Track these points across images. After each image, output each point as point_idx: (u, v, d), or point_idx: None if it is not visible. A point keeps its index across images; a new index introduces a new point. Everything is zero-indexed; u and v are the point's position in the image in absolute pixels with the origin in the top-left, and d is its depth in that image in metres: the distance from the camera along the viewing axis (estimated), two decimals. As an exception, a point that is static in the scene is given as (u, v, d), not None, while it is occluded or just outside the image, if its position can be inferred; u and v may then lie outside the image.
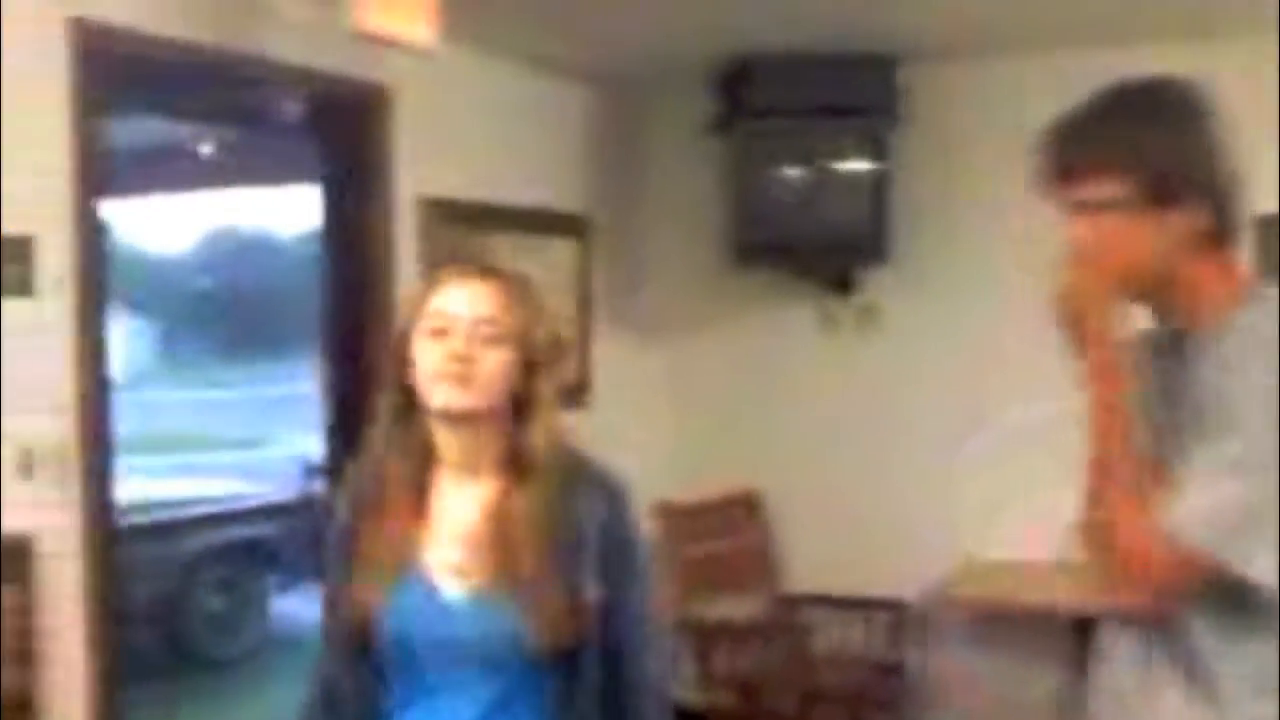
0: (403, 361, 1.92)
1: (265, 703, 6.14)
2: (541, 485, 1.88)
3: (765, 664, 4.54)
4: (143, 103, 3.80)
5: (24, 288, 3.23)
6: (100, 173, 3.42)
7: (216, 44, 3.63)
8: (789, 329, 5.16)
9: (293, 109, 3.84)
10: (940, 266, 4.94)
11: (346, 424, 4.21)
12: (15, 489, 3.18)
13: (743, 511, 5.03)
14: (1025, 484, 4.78)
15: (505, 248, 4.61)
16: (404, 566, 1.88)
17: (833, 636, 4.85)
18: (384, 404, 1.95)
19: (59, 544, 3.27)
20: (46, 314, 3.28)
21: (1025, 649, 4.78)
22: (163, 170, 5.38)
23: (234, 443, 14.12)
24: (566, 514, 1.87)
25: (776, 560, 5.04)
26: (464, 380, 1.86)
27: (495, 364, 1.88)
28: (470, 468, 1.92)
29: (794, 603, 4.92)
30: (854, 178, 4.86)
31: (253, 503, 7.54)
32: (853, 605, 4.86)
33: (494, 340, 1.88)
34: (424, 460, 1.93)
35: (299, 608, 7.33)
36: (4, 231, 3.17)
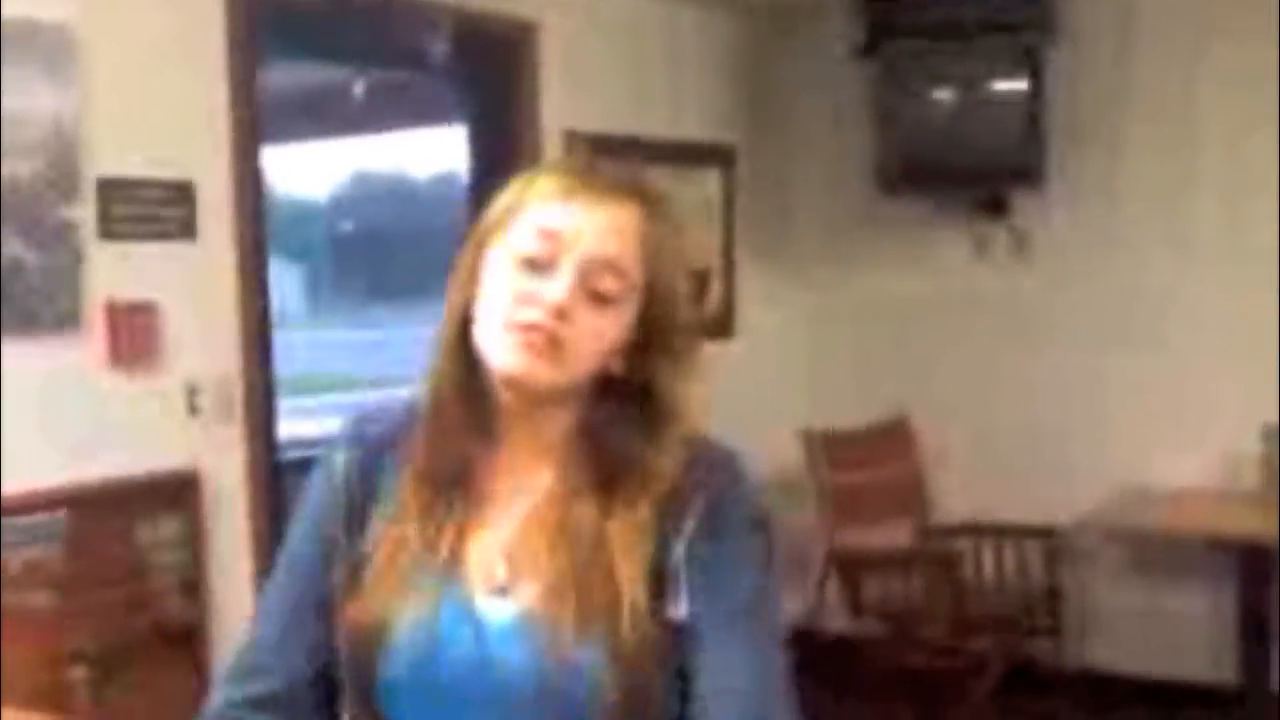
0: (470, 284, 1.33)
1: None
2: (640, 499, 1.32)
3: (916, 593, 4.51)
4: (294, 47, 3.85)
5: (187, 230, 3.33)
6: (256, 118, 3.49)
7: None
8: (940, 255, 5.07)
9: (441, 48, 3.86)
10: (1095, 189, 4.79)
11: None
12: (183, 425, 3.30)
13: (892, 440, 4.98)
14: (1182, 411, 4.69)
15: (651, 179, 4.59)
16: (434, 573, 1.31)
17: (985, 565, 4.80)
18: (438, 344, 1.36)
19: (225, 478, 3.38)
20: (209, 256, 3.37)
21: (1186, 577, 4.68)
22: (314, 114, 5.47)
23: (382, 381, 14.44)
24: (661, 513, 1.32)
25: (926, 489, 5.00)
26: (552, 346, 1.28)
27: (602, 333, 1.30)
28: (533, 451, 1.35)
29: (945, 532, 4.87)
30: (1005, 98, 4.73)
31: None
32: (1005, 533, 4.80)
33: (611, 298, 1.30)
34: (483, 432, 1.35)
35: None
36: (166, 176, 3.26)
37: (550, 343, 1.27)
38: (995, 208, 4.96)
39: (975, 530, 4.81)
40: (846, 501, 4.74)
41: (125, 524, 3.09)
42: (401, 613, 1.29)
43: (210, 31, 3.35)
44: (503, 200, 1.34)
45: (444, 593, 1.30)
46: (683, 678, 1.30)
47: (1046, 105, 4.71)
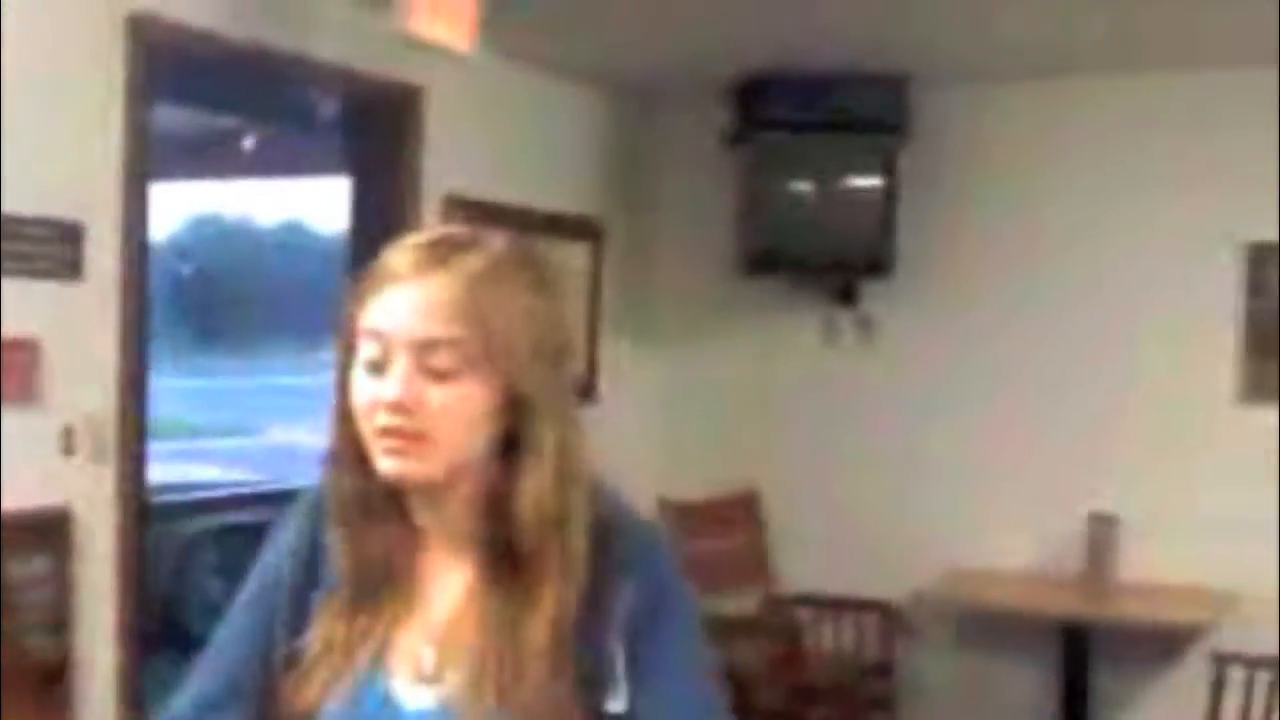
0: (343, 403, 1.33)
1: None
2: (551, 566, 1.30)
3: (758, 661, 4.68)
4: (185, 94, 3.91)
5: (72, 271, 3.35)
6: (146, 162, 3.53)
7: (260, 40, 3.75)
8: (792, 337, 5.32)
9: (329, 107, 3.96)
10: (940, 282, 5.10)
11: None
12: (57, 464, 3.30)
13: (740, 511, 5.17)
14: (1013, 494, 4.98)
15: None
16: (361, 663, 1.34)
17: (824, 635, 5.01)
18: (335, 455, 1.36)
19: (96, 518, 3.38)
20: (93, 296, 3.39)
21: (1013, 653, 4.95)
22: (200, 159, 5.49)
23: (219, 430, 14.18)
24: (587, 599, 1.31)
25: (771, 560, 5.19)
26: (411, 438, 1.27)
27: (454, 410, 1.27)
28: (448, 541, 1.36)
29: (787, 602, 5.06)
30: (861, 193, 5.02)
31: (250, 489, 7.64)
32: (844, 606, 5.02)
33: (453, 371, 1.27)
34: (398, 525, 1.36)
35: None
36: (53, 216, 3.28)
37: (409, 439, 1.26)
38: (846, 296, 5.22)
39: (815, 602, 5.02)
40: (696, 569, 4.87)
41: (-6, 560, 3.07)
42: (329, 707, 1.33)
43: (106, 75, 3.39)
44: (348, 305, 1.33)
45: (368, 686, 1.33)
46: None
47: (898, 201, 5.00)
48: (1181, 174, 4.75)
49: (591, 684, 1.29)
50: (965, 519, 5.03)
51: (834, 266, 5.13)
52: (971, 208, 5.05)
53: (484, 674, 1.29)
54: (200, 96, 4.06)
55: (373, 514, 1.35)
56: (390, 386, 1.26)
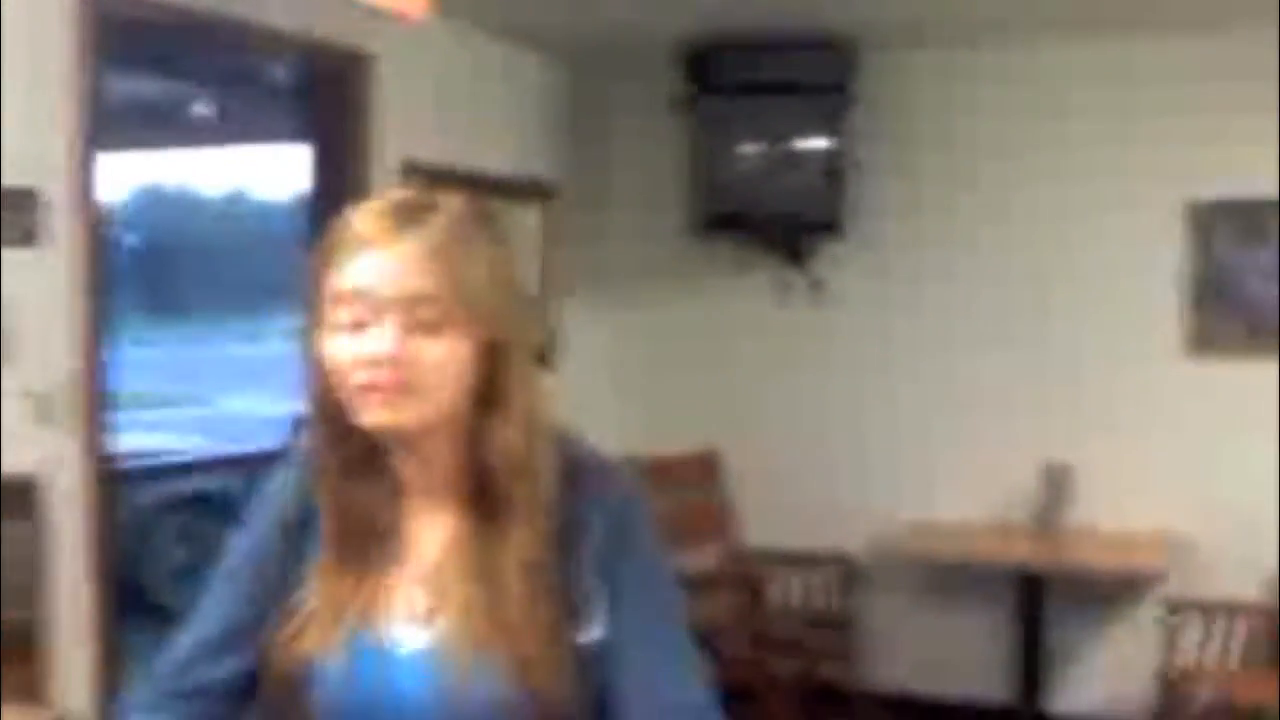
0: (319, 364, 1.37)
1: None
2: (520, 506, 1.37)
3: (721, 613, 4.76)
4: (138, 60, 3.89)
5: (27, 238, 3.34)
6: (97, 127, 3.52)
7: (213, 8, 3.75)
8: (746, 298, 5.38)
9: (282, 73, 3.96)
10: (890, 241, 5.17)
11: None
12: (24, 430, 3.31)
13: (701, 469, 5.24)
14: (967, 447, 5.07)
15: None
16: (353, 615, 1.40)
17: (785, 589, 5.09)
18: (314, 413, 1.41)
19: (64, 483, 3.40)
20: (50, 262, 3.39)
21: (969, 602, 5.05)
22: (153, 125, 5.46)
23: (169, 399, 14.11)
24: (556, 535, 1.38)
25: (733, 516, 5.27)
26: (399, 390, 1.32)
27: (442, 359, 1.33)
28: (430, 491, 1.42)
29: (749, 556, 5.15)
30: (810, 155, 5.08)
31: (207, 456, 7.65)
32: (804, 559, 5.11)
33: (437, 324, 1.32)
34: (381, 479, 1.42)
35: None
36: (6, 183, 3.27)
37: (397, 390, 1.32)
38: (797, 256, 5.29)
39: (776, 556, 5.10)
40: (659, 527, 4.95)
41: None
42: (324, 659, 1.39)
43: (56, 41, 3.38)
44: (314, 267, 1.36)
45: (360, 636, 1.39)
46: (602, 700, 1.37)
47: (847, 163, 5.06)
48: (1126, 132, 4.83)
49: (570, 613, 1.36)
50: (921, 472, 5.13)
51: (784, 227, 5.18)
52: (920, 168, 5.12)
53: (469, 615, 1.36)
54: (153, 63, 4.04)
55: (355, 471, 1.41)
56: (380, 342, 1.31)
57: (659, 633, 1.40)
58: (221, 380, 15.46)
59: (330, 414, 1.38)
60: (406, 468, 1.41)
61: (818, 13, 4.65)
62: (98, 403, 3.51)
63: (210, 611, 1.48)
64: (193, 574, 7.03)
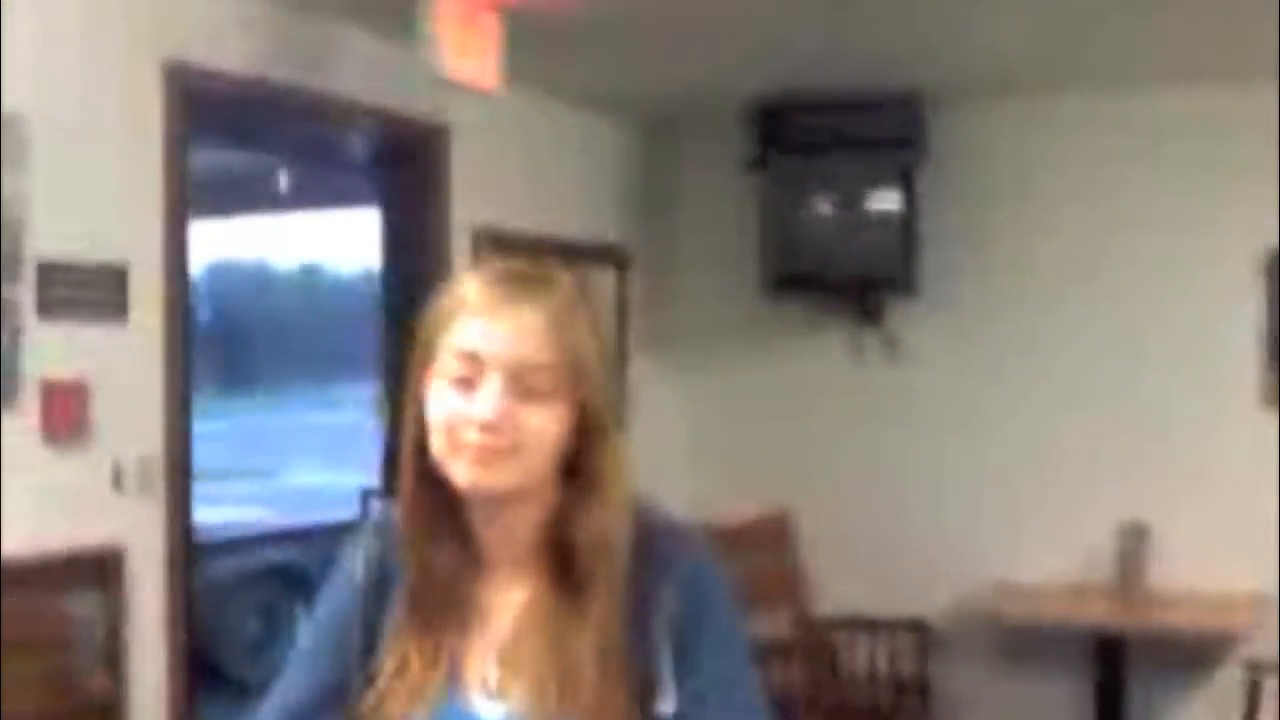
0: (418, 417, 1.39)
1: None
2: (600, 584, 1.37)
3: (794, 682, 4.70)
4: (223, 134, 3.98)
5: (119, 311, 3.41)
6: (187, 204, 3.60)
7: (293, 81, 3.83)
8: (819, 357, 5.36)
9: (360, 145, 4.03)
10: (964, 298, 5.15)
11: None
12: (108, 501, 3.36)
13: (773, 533, 5.20)
14: (1044, 507, 5.01)
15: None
16: (441, 681, 1.41)
17: (860, 656, 5.03)
18: (406, 470, 1.42)
19: (147, 554, 3.44)
20: (138, 336, 3.46)
21: (1048, 666, 4.97)
22: (237, 195, 5.57)
23: (239, 473, 14.26)
24: (630, 608, 1.37)
25: (805, 581, 5.22)
26: (499, 455, 1.34)
27: (545, 429, 1.35)
28: (510, 559, 1.42)
29: (822, 623, 5.09)
30: (882, 213, 5.07)
31: (279, 529, 7.70)
32: (879, 625, 5.05)
33: (545, 394, 1.35)
34: (463, 545, 1.42)
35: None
36: (102, 259, 3.35)
37: (495, 452, 1.33)
38: (871, 314, 5.27)
39: (851, 623, 5.05)
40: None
41: (51, 597, 3.13)
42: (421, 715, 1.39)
43: (148, 118, 3.47)
44: (424, 331, 1.39)
45: (444, 702, 1.39)
46: None
47: (919, 220, 5.06)
48: (1198, 183, 4.81)
49: (644, 687, 1.36)
50: (996, 534, 5.07)
51: (857, 285, 5.18)
52: (992, 223, 5.11)
53: (544, 686, 1.36)
54: (235, 137, 4.13)
55: (440, 534, 1.41)
56: (484, 407, 1.33)
57: (733, 704, 1.39)
58: (290, 451, 15.60)
59: (422, 471, 1.39)
60: (488, 532, 1.41)
61: (886, 69, 4.67)
62: (181, 474, 3.56)
63: (295, 680, 1.48)
64: (267, 647, 7.08)
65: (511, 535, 1.41)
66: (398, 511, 1.45)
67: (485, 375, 1.34)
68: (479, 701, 1.40)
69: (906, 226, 5.05)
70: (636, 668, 1.36)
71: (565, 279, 1.40)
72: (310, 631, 1.50)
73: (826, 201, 5.11)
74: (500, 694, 1.39)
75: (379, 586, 1.46)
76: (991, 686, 5.08)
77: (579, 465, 1.38)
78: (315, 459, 14.75)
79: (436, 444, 1.37)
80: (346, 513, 7.16)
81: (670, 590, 1.37)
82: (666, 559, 1.39)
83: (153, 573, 3.46)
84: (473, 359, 1.35)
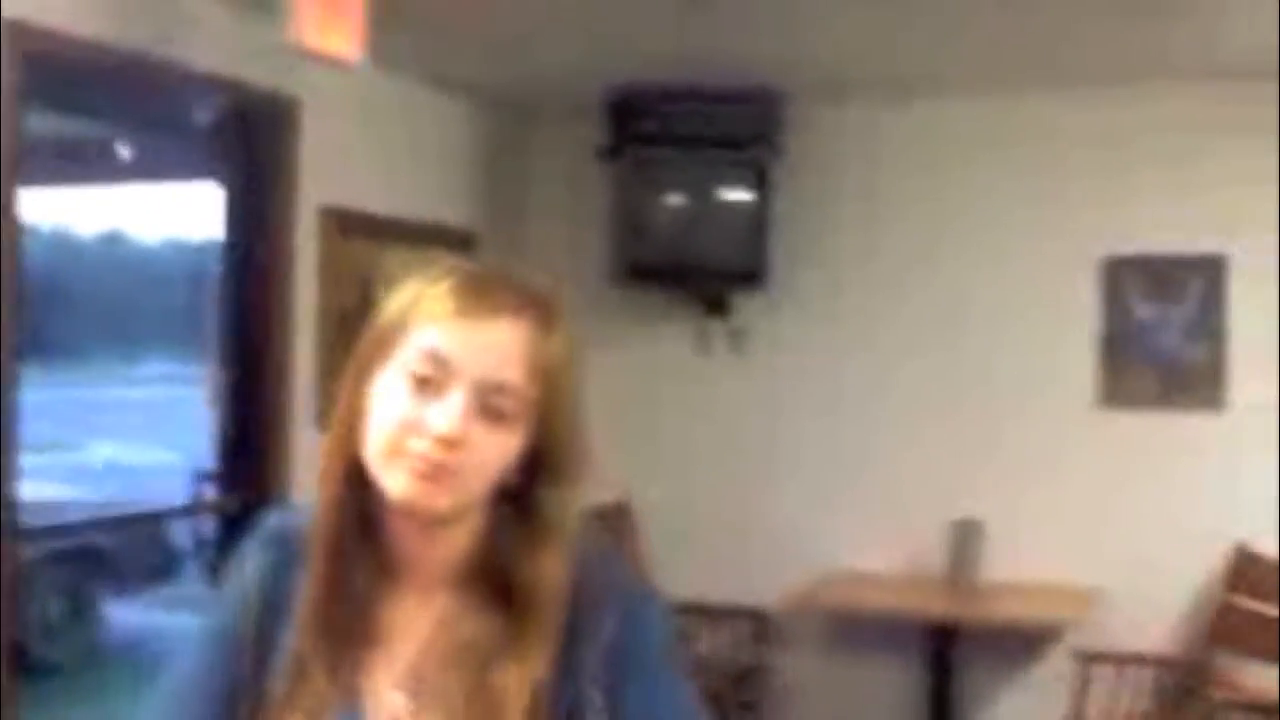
0: (354, 409, 1.28)
1: (99, 709, 6.08)
2: (539, 620, 1.28)
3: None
4: (59, 100, 3.77)
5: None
6: (16, 167, 3.39)
7: (137, 48, 3.64)
8: (666, 347, 5.37)
9: (204, 116, 3.86)
10: (811, 294, 5.21)
11: (239, 434, 4.25)
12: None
13: (612, 521, 5.18)
14: (880, 502, 5.11)
15: (395, 260, 4.70)
16: (342, 703, 1.29)
17: (699, 642, 5.05)
18: (328, 468, 1.30)
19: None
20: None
21: (880, 655, 5.07)
22: (73, 164, 5.31)
23: (39, 445, 13.59)
24: (563, 638, 1.29)
25: (645, 568, 5.22)
26: (445, 473, 1.23)
27: (495, 455, 1.26)
28: (426, 578, 1.32)
29: (664, 612, 5.09)
30: (734, 207, 5.10)
31: (89, 511, 7.41)
32: (718, 614, 5.08)
33: (505, 418, 1.25)
34: (376, 559, 1.31)
35: (131, 615, 7.44)
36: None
37: (443, 470, 1.22)
38: (718, 307, 5.29)
39: (691, 609, 5.06)
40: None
41: None
42: None
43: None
44: (388, 317, 1.28)
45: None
46: None
47: (771, 215, 5.09)
48: (1040, 188, 4.95)
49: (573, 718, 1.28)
50: (833, 526, 5.14)
51: (706, 278, 5.20)
52: (842, 222, 5.18)
53: (457, 713, 1.27)
54: (73, 103, 3.92)
55: (351, 546, 1.30)
56: (446, 420, 1.23)
57: None
58: (94, 427, 15.00)
59: (348, 473, 1.28)
60: (407, 548, 1.30)
61: (745, 67, 4.68)
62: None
63: (173, 703, 1.33)
64: (69, 628, 6.85)
65: (432, 555, 1.31)
66: (296, 519, 1.35)
67: (451, 385, 1.24)
68: None
69: (757, 221, 5.08)
70: (565, 701, 1.27)
71: (552, 306, 1.31)
72: (192, 650, 1.35)
73: (679, 194, 5.11)
74: (409, 716, 1.28)
75: (273, 603, 1.33)
76: (827, 674, 5.17)
77: (526, 502, 1.29)
78: (122, 435, 14.20)
79: (375, 443, 1.25)
80: (164, 492, 6.93)
81: (604, 621, 1.29)
82: (601, 588, 1.31)
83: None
84: (441, 363, 1.24)
